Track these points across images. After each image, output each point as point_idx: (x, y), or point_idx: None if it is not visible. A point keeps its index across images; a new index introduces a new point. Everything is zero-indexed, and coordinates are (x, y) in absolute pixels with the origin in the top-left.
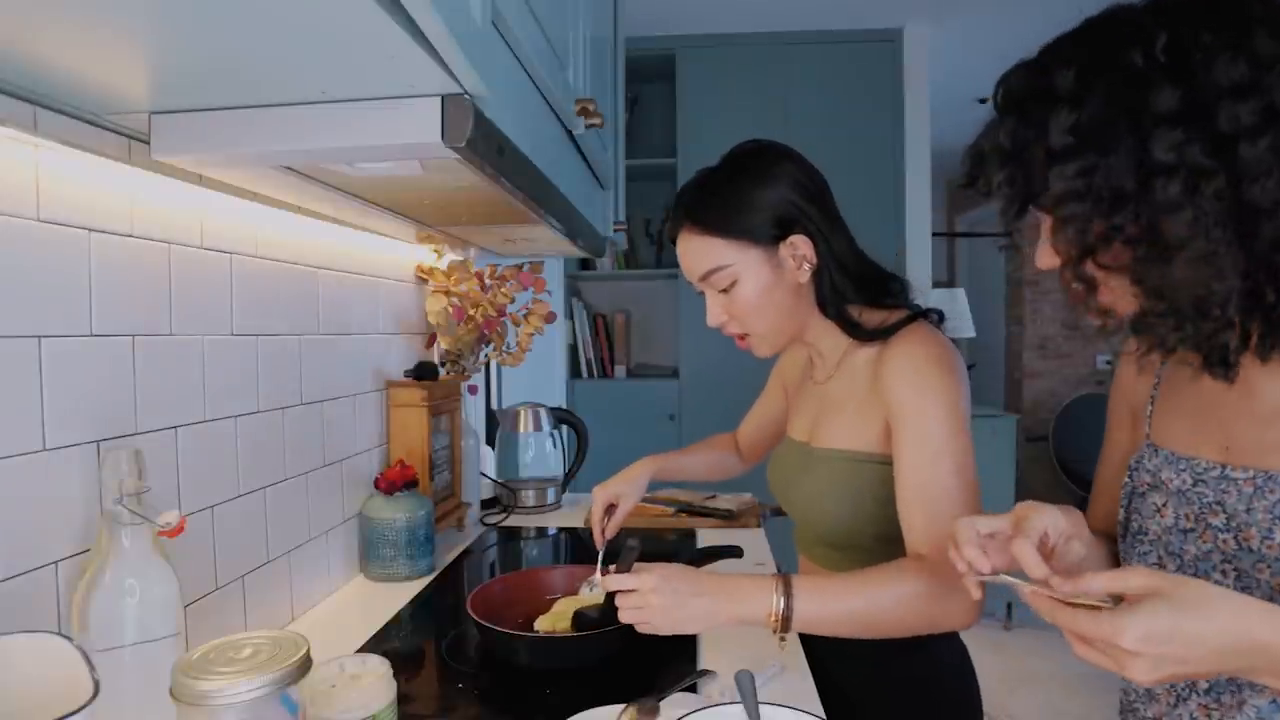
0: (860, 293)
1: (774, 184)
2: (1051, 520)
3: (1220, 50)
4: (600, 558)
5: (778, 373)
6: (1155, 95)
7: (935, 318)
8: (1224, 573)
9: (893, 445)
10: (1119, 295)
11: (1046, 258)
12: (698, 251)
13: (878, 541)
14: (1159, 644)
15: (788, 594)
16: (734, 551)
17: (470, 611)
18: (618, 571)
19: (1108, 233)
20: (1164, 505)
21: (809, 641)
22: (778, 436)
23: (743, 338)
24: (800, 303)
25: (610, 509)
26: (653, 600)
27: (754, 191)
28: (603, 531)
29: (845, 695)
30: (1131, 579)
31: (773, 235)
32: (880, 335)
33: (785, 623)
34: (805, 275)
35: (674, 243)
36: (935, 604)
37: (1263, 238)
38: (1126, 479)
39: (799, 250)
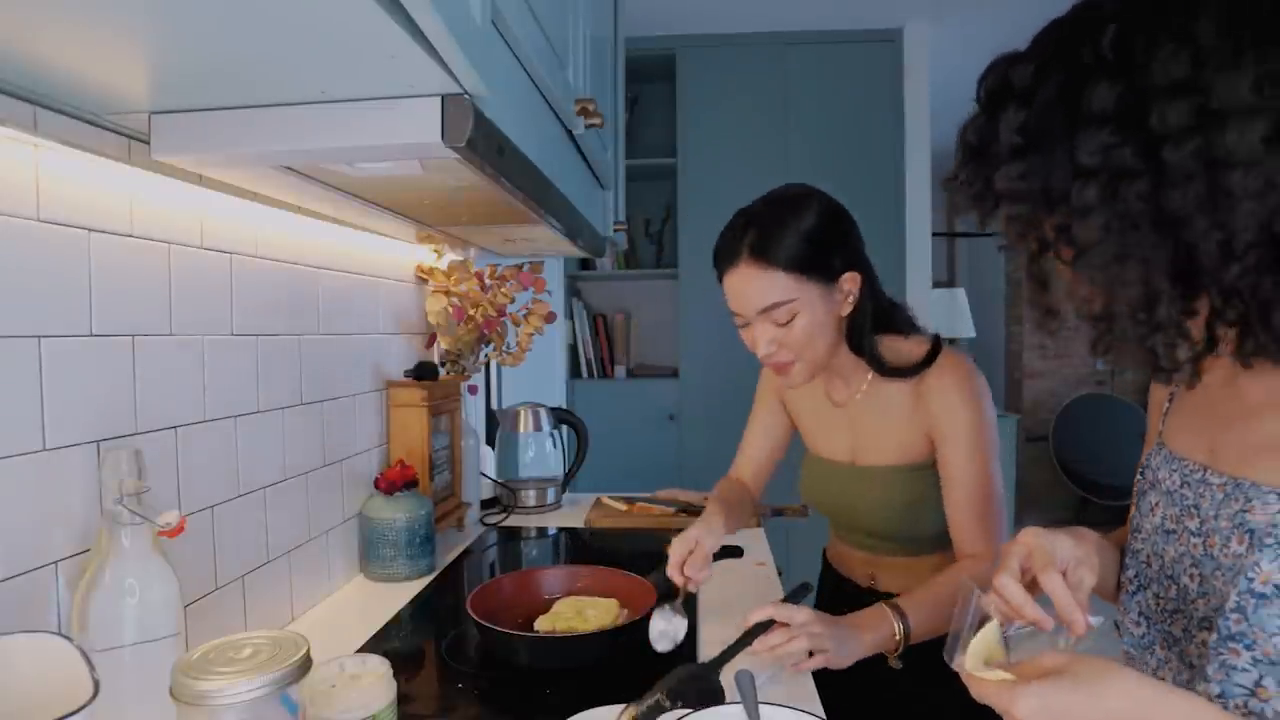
0: (883, 324)
1: (832, 223)
2: (1063, 548)
3: (1164, 44)
4: (681, 595)
5: (771, 391)
6: (1091, 93)
7: (946, 342)
8: (1191, 577)
9: (941, 456)
10: (1083, 294)
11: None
12: (762, 286)
13: (930, 536)
14: (1050, 716)
15: (903, 619)
16: (734, 551)
17: (470, 611)
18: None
19: (1056, 233)
20: (1156, 504)
21: None
22: (781, 458)
23: (785, 365)
24: (839, 333)
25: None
26: (816, 628)
27: (816, 229)
28: (681, 571)
29: (859, 686)
30: (1047, 660)
31: (834, 272)
32: (911, 373)
33: (905, 640)
34: (849, 309)
35: (721, 278)
36: None
37: (1181, 245)
38: (1138, 475)
39: (849, 286)
